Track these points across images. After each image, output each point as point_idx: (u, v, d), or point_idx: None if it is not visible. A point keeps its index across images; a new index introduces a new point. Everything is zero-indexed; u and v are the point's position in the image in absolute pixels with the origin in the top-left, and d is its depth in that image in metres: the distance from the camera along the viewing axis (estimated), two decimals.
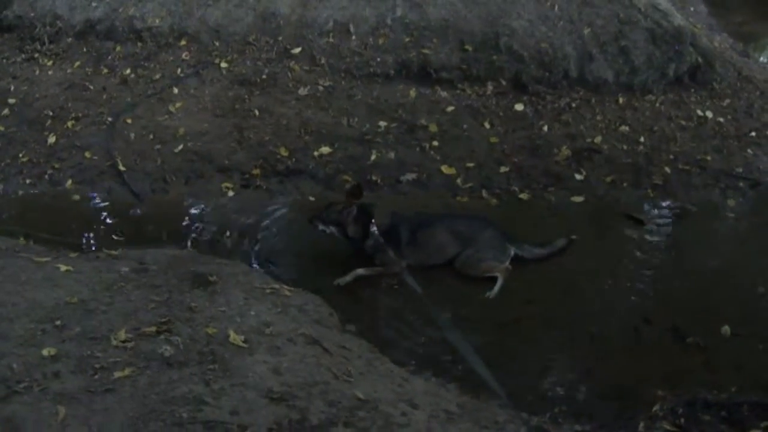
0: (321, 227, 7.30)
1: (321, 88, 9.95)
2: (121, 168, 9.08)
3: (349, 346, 5.48)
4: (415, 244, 7.36)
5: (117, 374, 4.41)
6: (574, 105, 9.67)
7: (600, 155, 9.01)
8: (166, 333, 4.88)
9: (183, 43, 10.88)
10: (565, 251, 7.53)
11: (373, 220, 7.25)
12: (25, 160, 9.48)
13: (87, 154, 9.35)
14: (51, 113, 10.13)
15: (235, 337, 4.94)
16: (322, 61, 10.24)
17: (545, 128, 9.31)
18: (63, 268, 5.85)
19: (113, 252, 6.51)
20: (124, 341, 4.75)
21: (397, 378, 5.23)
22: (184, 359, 4.64)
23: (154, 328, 4.92)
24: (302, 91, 9.88)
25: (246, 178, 8.93)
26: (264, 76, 10.14)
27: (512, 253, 7.36)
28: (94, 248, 7.47)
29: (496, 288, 7.06)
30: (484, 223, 7.63)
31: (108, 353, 4.64)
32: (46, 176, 9.21)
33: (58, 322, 4.97)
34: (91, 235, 8.17)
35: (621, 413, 5.52)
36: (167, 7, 11.20)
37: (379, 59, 10.11)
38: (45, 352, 4.61)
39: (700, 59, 10.24)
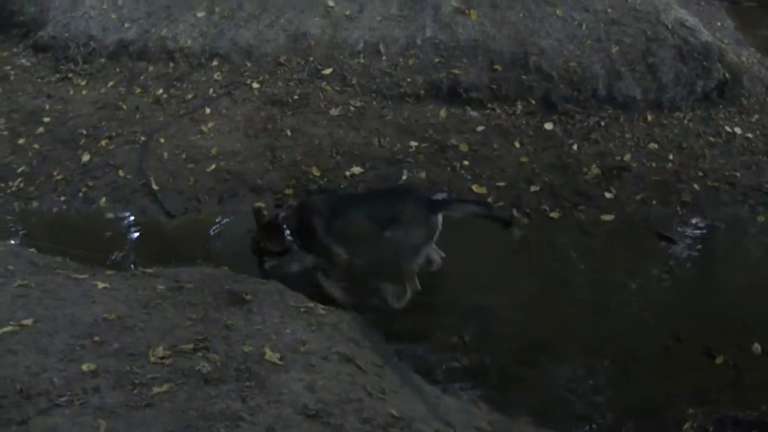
0: (267, 264, 7.12)
1: (352, 108, 10.04)
2: (154, 187, 9.17)
3: (383, 364, 5.53)
4: (334, 236, 6.90)
5: (155, 390, 4.46)
6: (603, 123, 9.68)
7: (629, 173, 8.99)
8: (204, 350, 4.93)
9: (215, 63, 11.00)
10: (499, 222, 7.26)
11: (284, 227, 6.93)
12: (59, 178, 9.60)
13: (120, 173, 9.47)
14: (85, 132, 10.26)
15: (270, 355, 4.99)
16: (353, 82, 10.33)
17: (575, 147, 9.33)
18: (100, 285, 5.91)
19: (149, 270, 6.58)
20: (162, 357, 4.80)
21: (430, 396, 5.28)
22: (221, 376, 4.68)
23: (191, 345, 4.97)
24: (333, 112, 9.96)
25: (278, 197, 8.96)
26: (296, 97, 10.24)
27: (439, 222, 6.86)
28: (130, 265, 7.59)
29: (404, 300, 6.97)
30: (403, 196, 7.12)
31: (146, 369, 4.69)
32: (80, 194, 9.32)
33: (96, 338, 5.03)
34: (126, 253, 8.25)
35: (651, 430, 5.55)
36: (199, 28, 11.34)
37: (409, 79, 10.19)
38: (85, 367, 4.66)
39: (727, 75, 10.22)
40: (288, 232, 6.92)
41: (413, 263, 6.91)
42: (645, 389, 6.10)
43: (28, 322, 5.18)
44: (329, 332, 5.65)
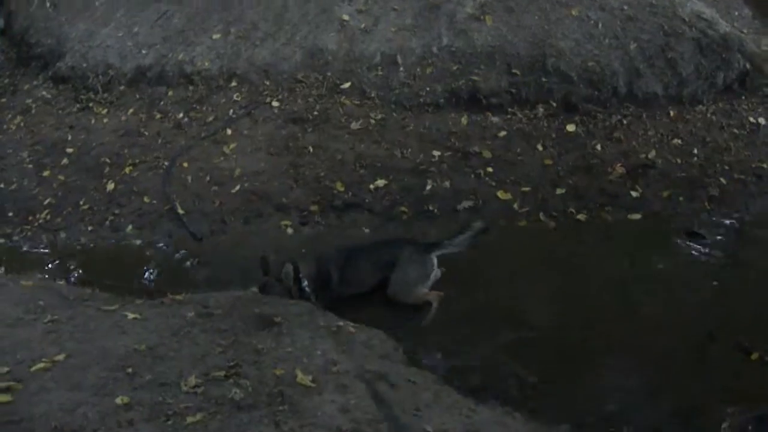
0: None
1: (373, 121, 10.01)
2: (180, 211, 9.18)
3: (416, 380, 5.49)
4: (345, 282, 7.40)
5: (189, 419, 4.43)
6: (625, 122, 9.60)
7: (654, 170, 8.93)
8: (235, 376, 4.91)
9: (233, 84, 11.01)
10: (485, 232, 7.63)
11: (300, 275, 7.23)
12: (85, 207, 9.65)
13: (146, 199, 9.50)
14: (108, 160, 10.30)
15: (302, 378, 4.96)
16: (372, 94, 10.32)
17: (598, 147, 9.27)
18: (130, 315, 5.90)
19: (177, 297, 6.57)
20: (194, 386, 4.78)
21: (464, 409, 5.23)
22: (253, 402, 4.66)
23: (222, 372, 4.95)
24: (354, 126, 9.94)
25: (304, 215, 8.97)
26: (316, 113, 10.22)
27: (435, 263, 7.40)
28: (158, 292, 7.58)
29: (431, 314, 7.14)
30: (401, 242, 7.79)
31: (179, 399, 4.66)
32: (107, 222, 9.37)
33: (129, 370, 5.00)
34: (154, 279, 8.27)
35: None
36: (216, 50, 11.35)
37: (428, 89, 10.15)
38: (118, 401, 4.63)
39: (748, 65, 10.13)
40: (305, 282, 7.23)
41: (415, 294, 7.30)
42: (681, 389, 6.04)
43: (60, 357, 5.17)
44: (361, 350, 5.64)
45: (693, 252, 7.90)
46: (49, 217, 9.77)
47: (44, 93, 12.51)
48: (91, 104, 11.69)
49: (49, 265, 9.00)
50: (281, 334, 5.65)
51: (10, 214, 10.08)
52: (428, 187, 8.95)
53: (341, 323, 6.06)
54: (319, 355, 5.38)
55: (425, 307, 7.17)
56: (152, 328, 5.70)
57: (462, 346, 6.71)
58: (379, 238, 8.41)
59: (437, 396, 5.34)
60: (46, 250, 9.32)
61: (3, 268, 8.98)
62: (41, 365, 5.07)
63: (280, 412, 4.56)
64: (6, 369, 5.01)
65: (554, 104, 9.87)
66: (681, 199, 8.62)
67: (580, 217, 8.45)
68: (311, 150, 9.70)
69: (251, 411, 4.57)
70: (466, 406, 5.33)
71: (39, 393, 4.76)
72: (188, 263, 8.60)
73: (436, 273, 7.40)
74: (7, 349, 5.31)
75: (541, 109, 9.85)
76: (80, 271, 8.75)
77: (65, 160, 10.67)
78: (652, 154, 9.12)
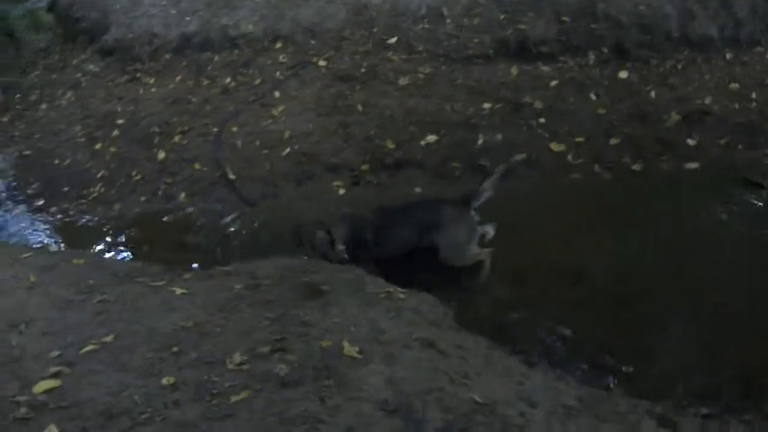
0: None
1: (421, 75, 9.81)
2: (231, 176, 9.16)
3: (466, 345, 5.38)
4: (382, 244, 7.20)
5: (234, 398, 4.40)
6: (679, 66, 9.22)
7: (711, 117, 8.58)
8: (281, 351, 4.85)
9: (279, 45, 10.93)
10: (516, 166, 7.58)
11: (334, 239, 7.12)
12: (138, 178, 9.71)
13: (197, 166, 9.52)
14: (158, 130, 10.34)
15: (349, 349, 4.88)
16: (420, 48, 10.11)
17: (652, 94, 8.95)
18: (178, 291, 5.89)
19: (226, 268, 6.55)
20: (239, 364, 4.74)
21: (515, 375, 5.11)
22: (299, 377, 4.60)
23: (268, 348, 4.89)
24: (402, 81, 9.76)
25: (355, 174, 8.90)
26: (363, 70, 10.08)
27: (476, 215, 7.11)
28: (210, 262, 7.57)
29: (485, 273, 7.00)
30: (437, 201, 7.47)
31: (224, 377, 4.63)
32: (160, 192, 9.43)
33: (175, 349, 5.00)
34: (208, 248, 8.27)
35: (748, 393, 5.34)
36: (259, 12, 11.29)
37: (476, 40, 9.91)
38: (164, 381, 4.63)
39: None
40: (341, 247, 7.12)
41: (468, 256, 7.04)
42: (738, 349, 5.81)
43: (109, 339, 5.21)
44: (410, 317, 5.54)
45: (752, 202, 7.60)
46: (103, 189, 9.87)
47: (92, 66, 12.62)
48: (138, 74, 11.75)
49: (106, 238, 9.02)
50: (329, 304, 5.58)
51: (66, 188, 10.21)
52: (479, 141, 8.77)
53: (390, 289, 5.96)
54: (366, 324, 5.30)
55: (477, 266, 7.02)
56: (199, 304, 5.68)
57: (515, 307, 6.55)
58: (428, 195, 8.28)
59: (488, 362, 5.23)
60: (102, 223, 9.35)
61: (59, 245, 9.08)
62: (90, 347, 5.12)
63: (325, 387, 4.50)
64: (57, 353, 5.07)
65: (605, 51, 9.50)
66: (740, 146, 8.27)
67: (636, 167, 8.20)
68: (360, 108, 9.58)
69: (296, 387, 4.52)
70: (518, 371, 5.21)
71: (87, 376, 4.80)
72: (241, 229, 8.55)
73: (484, 228, 7.20)
74: (59, 332, 5.39)
75: (592, 57, 9.51)
76: (134, 243, 8.79)
77: (116, 132, 10.73)
78: (708, 100, 8.76)
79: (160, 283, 6.17)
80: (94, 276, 6.50)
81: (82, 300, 5.90)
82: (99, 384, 4.68)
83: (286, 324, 5.27)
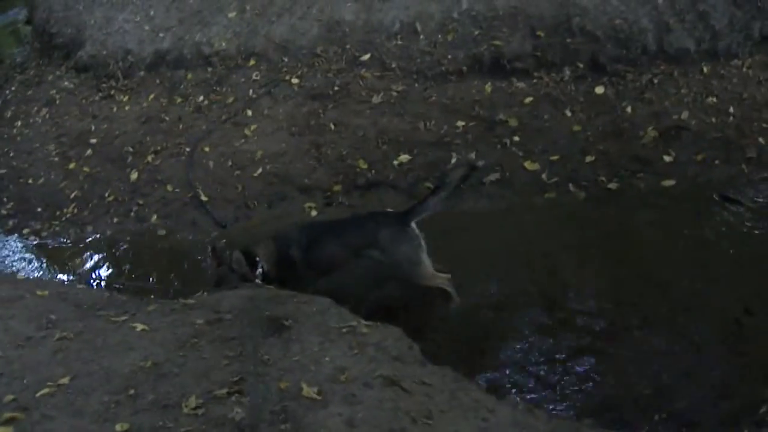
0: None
1: (394, 93, 9.75)
2: (203, 198, 9.10)
3: (431, 381, 5.25)
4: (312, 264, 6.92)
5: None
6: (656, 81, 9.10)
7: (688, 132, 8.47)
8: (237, 394, 4.73)
9: (252, 63, 10.88)
10: (469, 176, 7.04)
11: (257, 260, 6.90)
12: (111, 199, 9.69)
13: (169, 188, 9.49)
14: (131, 149, 10.31)
15: (308, 390, 4.76)
16: (393, 65, 10.03)
17: (628, 109, 8.84)
18: (139, 327, 5.76)
19: (189, 301, 6.43)
20: (195, 408, 4.62)
21: (482, 410, 4.99)
22: (255, 421, 4.49)
23: (225, 390, 4.77)
24: (376, 99, 9.70)
25: (328, 195, 8.85)
26: (336, 88, 10.03)
27: (417, 231, 6.78)
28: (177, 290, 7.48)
29: (454, 301, 6.86)
30: (371, 217, 7.14)
31: (179, 422, 4.51)
32: (132, 213, 9.42)
33: (132, 392, 4.87)
34: (175, 275, 8.17)
35: (724, 417, 5.30)
36: (232, 29, 11.25)
37: (450, 56, 9.82)
38: (118, 428, 4.50)
39: None
40: (261, 268, 6.92)
41: (424, 272, 6.81)
42: (716, 370, 5.76)
43: (65, 380, 5.07)
44: (372, 353, 5.41)
45: (729, 219, 7.49)
46: (75, 210, 9.83)
47: (67, 83, 12.61)
48: (112, 92, 11.73)
49: (76, 262, 8.95)
50: (290, 340, 5.46)
51: (39, 209, 10.17)
52: (453, 161, 8.65)
53: (354, 323, 5.81)
54: (327, 362, 5.18)
55: (442, 294, 6.89)
56: (159, 341, 5.56)
57: (485, 334, 6.50)
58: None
59: (453, 397, 5.11)
60: (73, 246, 9.28)
61: (27, 272, 9.00)
62: (45, 390, 4.97)
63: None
64: (12, 397, 4.92)
65: (581, 66, 9.39)
66: (717, 162, 8.17)
67: (611, 186, 8.11)
68: (333, 127, 9.53)
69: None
70: (484, 406, 5.08)
71: (41, 422, 4.66)
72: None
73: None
74: (16, 373, 5.23)
75: (567, 72, 9.41)
76: (105, 268, 8.71)
77: (89, 151, 10.68)
78: (685, 115, 8.65)
79: (121, 318, 6.03)
80: (57, 309, 6.38)
81: (43, 337, 5.77)
82: (53, 431, 4.56)
83: (245, 363, 5.15)
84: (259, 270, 6.87)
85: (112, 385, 5.00)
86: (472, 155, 7.69)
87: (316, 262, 6.91)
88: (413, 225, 6.78)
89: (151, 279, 8.24)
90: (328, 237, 7.00)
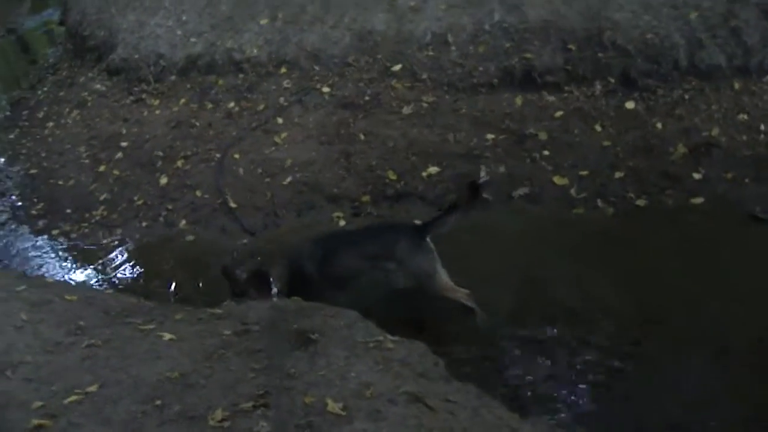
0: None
1: (425, 104, 9.76)
2: (232, 205, 9.12)
3: (455, 398, 5.25)
4: (327, 279, 6.84)
5: None
6: (687, 97, 9.07)
7: (718, 149, 8.44)
8: (263, 408, 4.75)
9: (283, 70, 10.90)
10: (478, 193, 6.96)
11: (271, 280, 6.88)
12: (140, 202, 9.71)
13: (198, 193, 9.50)
14: (161, 154, 10.34)
15: (333, 406, 4.76)
16: (424, 76, 10.04)
17: (659, 125, 8.81)
18: (166, 336, 5.79)
19: (217, 311, 6.45)
20: (221, 420, 4.64)
21: (505, 428, 5.00)
22: None
23: (251, 403, 4.78)
24: (406, 110, 9.71)
25: (356, 205, 8.84)
26: (367, 98, 10.05)
27: (432, 245, 6.79)
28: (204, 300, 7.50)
29: (479, 317, 6.82)
30: (387, 229, 7.28)
31: None
32: (161, 218, 9.42)
33: (158, 402, 4.89)
34: (203, 283, 8.18)
35: None
36: (264, 36, 11.27)
37: (481, 68, 9.82)
38: None
39: None
40: (277, 287, 6.92)
41: (441, 283, 6.81)
42: (744, 390, 5.72)
43: (93, 388, 5.10)
44: (397, 369, 5.42)
45: (758, 238, 7.42)
46: (105, 213, 9.87)
47: (99, 86, 12.67)
48: (143, 96, 11.76)
49: (105, 266, 8.99)
50: (316, 354, 5.45)
51: (68, 210, 10.20)
52: (482, 174, 8.64)
53: (381, 338, 5.81)
54: (353, 377, 5.18)
55: (464, 309, 6.86)
56: (187, 351, 5.58)
57: (508, 351, 6.51)
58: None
59: (476, 414, 5.10)
60: (101, 248, 9.32)
61: (55, 275, 9.05)
62: (73, 398, 5.00)
63: None
64: (40, 403, 4.95)
65: (612, 80, 9.37)
66: (747, 180, 8.11)
67: (640, 202, 8.07)
68: (362, 137, 9.53)
69: None
70: (508, 424, 5.09)
71: (69, 429, 4.70)
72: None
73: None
74: (44, 379, 5.27)
75: (598, 86, 9.39)
76: (132, 272, 8.75)
77: (119, 155, 10.73)
78: (715, 132, 8.61)
79: (149, 327, 6.06)
80: (86, 315, 6.40)
81: (71, 343, 5.80)
82: None
83: (271, 376, 5.16)
84: (274, 290, 6.89)
85: (139, 395, 5.02)
86: (482, 172, 7.60)
87: (333, 275, 6.86)
88: (428, 239, 6.80)
89: (173, 286, 8.23)
90: (344, 249, 6.99)
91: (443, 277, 6.80)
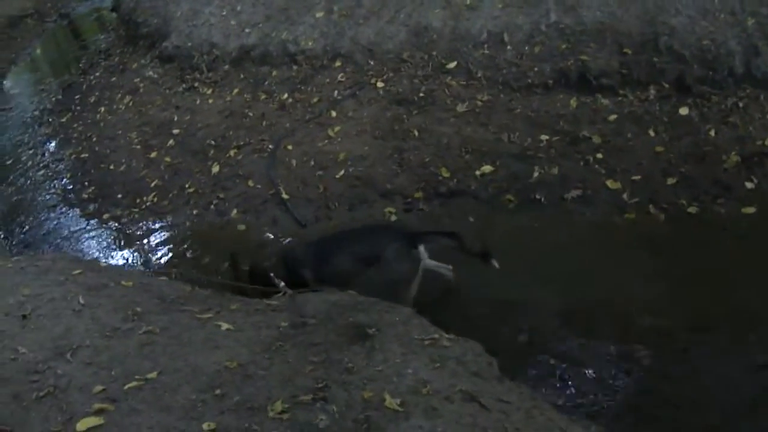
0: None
1: (479, 103, 9.73)
2: (284, 196, 9.15)
3: (508, 398, 5.26)
4: (322, 279, 7.05)
5: None
6: (741, 104, 8.95)
7: None
8: (322, 401, 4.79)
9: (338, 64, 10.93)
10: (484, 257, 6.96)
11: (272, 275, 7.13)
12: (191, 190, 9.75)
13: (250, 183, 9.54)
14: (213, 142, 10.39)
15: (390, 402, 4.79)
16: (479, 75, 10.02)
17: (712, 132, 8.72)
18: (224, 326, 5.83)
19: (273, 302, 6.50)
20: (280, 412, 4.68)
21: (556, 430, 5.04)
22: (339, 429, 4.54)
23: (310, 396, 4.83)
24: (460, 108, 9.70)
25: (408, 201, 8.85)
26: (421, 94, 10.04)
27: (423, 256, 6.96)
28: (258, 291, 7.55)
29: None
30: (382, 231, 7.44)
31: (265, 426, 4.56)
32: (212, 206, 9.46)
33: (218, 391, 4.94)
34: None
35: None
36: (319, 29, 11.29)
37: (536, 69, 9.79)
38: (205, 426, 4.56)
39: None
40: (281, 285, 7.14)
41: (407, 297, 6.95)
42: None
43: (153, 375, 5.14)
44: (453, 367, 5.44)
45: None
46: (156, 199, 9.94)
47: (151, 73, 12.74)
48: (196, 84, 11.83)
49: (156, 251, 9.07)
50: (374, 349, 5.48)
51: (119, 195, 10.31)
52: (535, 174, 8.67)
53: (436, 335, 5.83)
54: (410, 374, 5.20)
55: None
56: (245, 342, 5.62)
57: (558, 353, 6.52)
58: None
59: (529, 416, 5.12)
60: (152, 234, 9.41)
61: (108, 259, 9.13)
62: (134, 384, 5.05)
63: None
64: (101, 387, 5.01)
65: (667, 86, 9.29)
66: None
67: (691, 210, 8.00)
68: (416, 133, 9.52)
69: None
70: (558, 426, 5.10)
71: (129, 415, 4.75)
72: None
73: (439, 269, 7.20)
74: (104, 364, 5.32)
75: (653, 91, 9.32)
76: (184, 260, 8.80)
77: (171, 142, 10.80)
78: None
79: (206, 316, 6.11)
80: (142, 301, 6.45)
81: (129, 329, 5.85)
82: (140, 425, 4.63)
83: (329, 369, 5.20)
84: (281, 285, 7.10)
85: (198, 383, 5.06)
86: (495, 263, 7.53)
87: (327, 276, 7.07)
88: (421, 248, 6.95)
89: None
90: (334, 250, 7.21)
91: (413, 292, 6.97)
